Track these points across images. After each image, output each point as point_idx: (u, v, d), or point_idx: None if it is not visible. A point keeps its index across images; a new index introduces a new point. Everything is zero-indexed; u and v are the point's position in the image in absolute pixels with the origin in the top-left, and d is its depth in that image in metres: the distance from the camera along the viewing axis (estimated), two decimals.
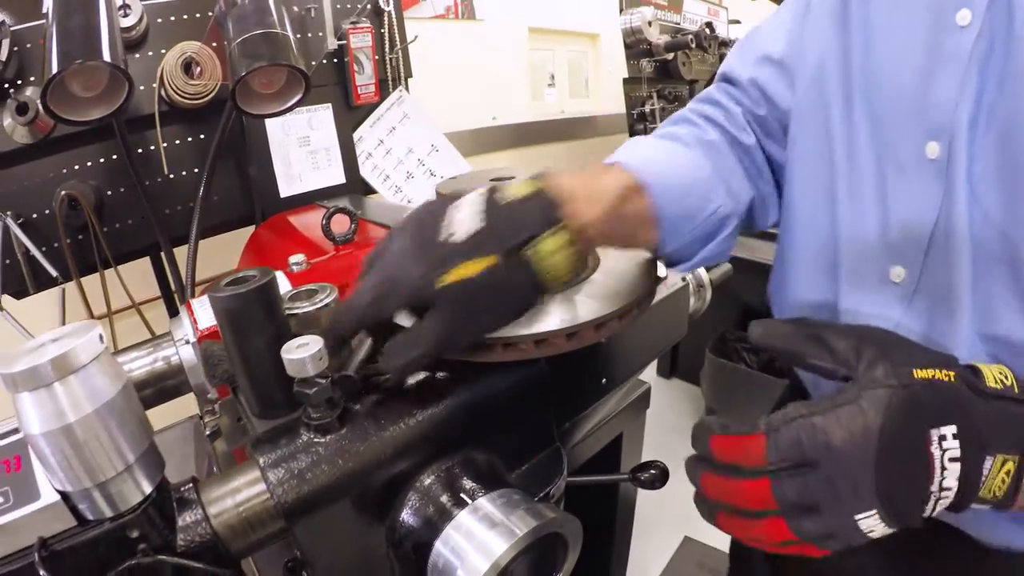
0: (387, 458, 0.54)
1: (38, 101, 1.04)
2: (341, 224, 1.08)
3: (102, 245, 1.27)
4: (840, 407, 0.42)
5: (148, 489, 0.45)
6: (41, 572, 0.39)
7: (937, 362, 0.44)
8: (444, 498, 0.55)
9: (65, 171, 1.29)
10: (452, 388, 0.59)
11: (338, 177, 1.68)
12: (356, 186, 1.72)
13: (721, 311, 2.60)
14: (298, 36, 1.50)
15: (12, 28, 1.11)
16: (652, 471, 0.72)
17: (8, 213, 1.24)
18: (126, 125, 1.31)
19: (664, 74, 2.84)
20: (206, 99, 1.31)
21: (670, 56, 2.78)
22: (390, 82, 1.76)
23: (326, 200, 1.60)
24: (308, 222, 1.45)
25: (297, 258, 0.95)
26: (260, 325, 0.54)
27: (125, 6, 1.18)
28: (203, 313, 0.81)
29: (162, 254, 1.39)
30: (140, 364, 0.63)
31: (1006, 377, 0.44)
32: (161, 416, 0.71)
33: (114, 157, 1.32)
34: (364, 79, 1.67)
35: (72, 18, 0.91)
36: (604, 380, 0.80)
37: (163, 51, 1.29)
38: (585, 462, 0.92)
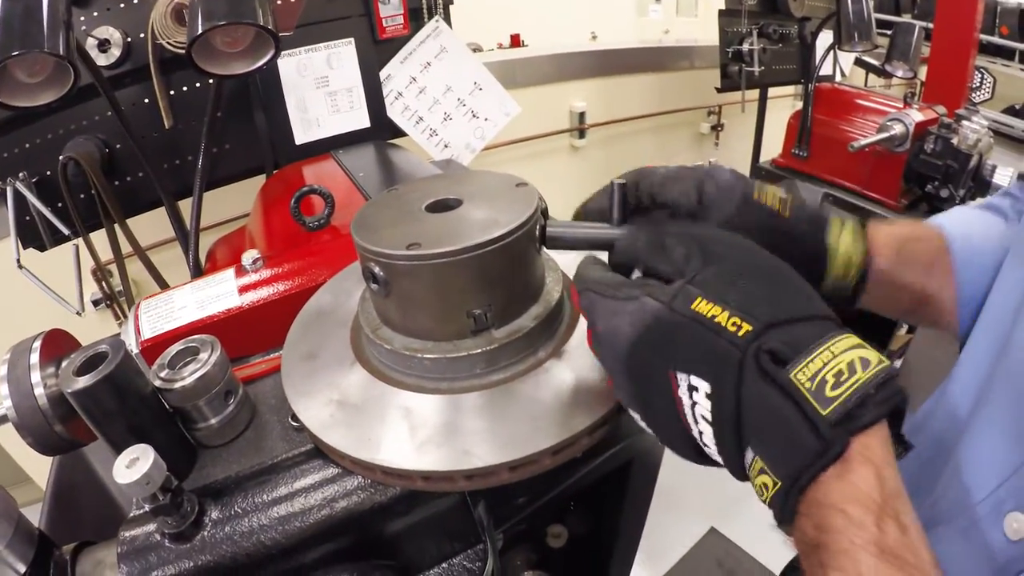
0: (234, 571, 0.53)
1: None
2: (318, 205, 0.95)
3: (106, 202, 1.26)
4: (620, 300, 0.41)
5: (22, 569, 0.51)
6: None
7: (752, 305, 0.35)
8: None
9: (73, 127, 1.28)
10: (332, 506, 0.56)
11: (362, 121, 1.56)
12: (383, 130, 1.60)
13: None
14: None
15: None
16: None
17: (21, 174, 1.25)
18: (128, 76, 1.27)
19: (769, 8, 2.40)
20: None
21: None
22: (425, 11, 1.59)
23: (350, 146, 1.49)
24: (322, 172, 1.36)
25: (251, 255, 0.84)
26: (116, 414, 0.51)
27: None
28: (147, 322, 0.77)
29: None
30: None
31: (835, 380, 0.31)
32: None
33: (122, 108, 1.29)
34: (390, 9, 1.51)
35: (13, 5, 0.85)
36: None
37: None
38: (591, 482, 0.79)
